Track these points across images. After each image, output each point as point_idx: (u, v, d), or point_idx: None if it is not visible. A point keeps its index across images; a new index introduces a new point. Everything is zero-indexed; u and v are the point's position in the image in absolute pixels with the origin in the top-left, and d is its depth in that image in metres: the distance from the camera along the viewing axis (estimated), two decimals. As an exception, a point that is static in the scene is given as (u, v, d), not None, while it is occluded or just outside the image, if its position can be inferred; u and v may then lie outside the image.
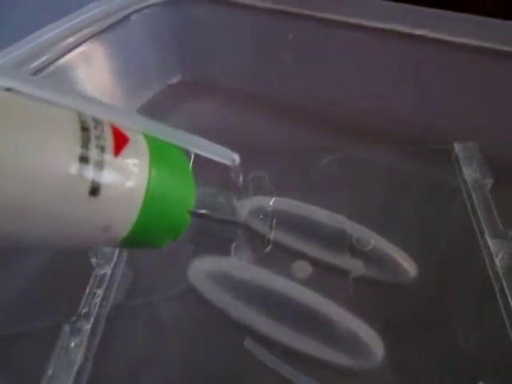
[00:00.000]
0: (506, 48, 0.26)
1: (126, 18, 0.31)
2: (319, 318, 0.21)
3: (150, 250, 0.15)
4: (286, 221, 0.24)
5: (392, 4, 0.27)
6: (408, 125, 0.28)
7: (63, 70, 0.28)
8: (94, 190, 0.11)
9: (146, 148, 0.12)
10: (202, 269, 0.23)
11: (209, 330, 0.21)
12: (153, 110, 0.33)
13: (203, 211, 0.15)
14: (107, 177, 0.11)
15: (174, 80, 0.34)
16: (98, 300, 0.20)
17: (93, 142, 0.11)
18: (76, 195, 0.11)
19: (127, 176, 0.12)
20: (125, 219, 0.12)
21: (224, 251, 0.23)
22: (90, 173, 0.11)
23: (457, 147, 0.26)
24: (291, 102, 0.30)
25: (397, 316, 0.21)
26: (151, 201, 0.12)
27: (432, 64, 0.27)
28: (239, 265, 0.23)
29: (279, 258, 0.23)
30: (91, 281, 0.21)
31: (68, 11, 0.30)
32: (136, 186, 0.12)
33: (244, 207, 0.25)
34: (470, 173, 0.25)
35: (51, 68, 0.27)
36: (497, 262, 0.21)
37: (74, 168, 0.10)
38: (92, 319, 0.20)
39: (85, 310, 0.20)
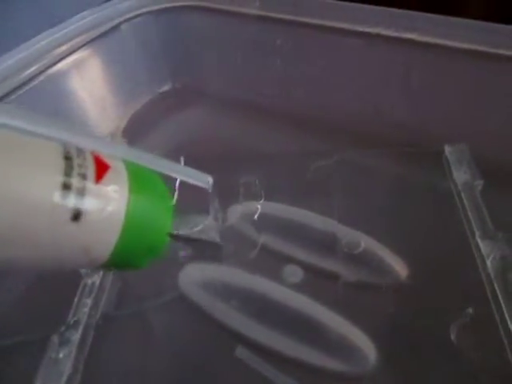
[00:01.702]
0: (496, 51, 0.26)
1: (116, 27, 0.31)
2: (311, 323, 0.21)
3: (132, 270, 0.15)
4: (276, 225, 0.24)
5: (380, 8, 0.27)
6: (398, 128, 0.28)
7: (54, 79, 0.28)
8: (76, 216, 0.11)
9: (126, 174, 0.13)
10: (192, 276, 0.22)
11: (199, 338, 0.21)
12: (144, 118, 0.33)
13: (181, 233, 0.16)
14: (88, 203, 0.12)
15: (165, 88, 0.34)
16: (86, 309, 0.20)
17: (75, 170, 0.12)
18: (59, 220, 0.11)
19: (107, 202, 0.12)
20: (105, 243, 0.13)
21: (215, 258, 0.23)
22: (72, 199, 0.11)
23: (447, 150, 0.26)
24: (281, 108, 0.31)
25: (389, 319, 0.21)
26: (130, 225, 0.13)
27: (422, 67, 0.27)
28: (230, 271, 0.23)
29: (270, 263, 0.23)
30: (80, 290, 0.21)
31: (58, 21, 0.30)
32: (116, 211, 0.12)
33: (235, 212, 0.25)
34: (460, 175, 0.25)
35: (41, 77, 0.27)
36: (488, 263, 0.21)
37: (57, 194, 0.11)
38: (81, 329, 0.19)
39: (74, 320, 0.20)
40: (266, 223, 0.24)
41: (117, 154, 0.14)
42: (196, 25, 0.32)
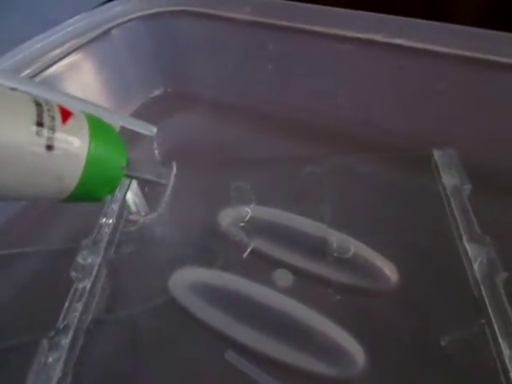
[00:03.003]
0: (484, 56, 0.26)
1: (108, 32, 0.31)
2: (300, 327, 0.21)
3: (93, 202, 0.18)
4: (267, 230, 0.24)
5: (370, 14, 0.28)
6: (389, 133, 0.28)
7: (46, 83, 0.28)
8: (49, 147, 0.14)
9: (85, 120, 0.16)
10: (183, 280, 0.23)
11: (189, 342, 0.21)
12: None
13: (132, 173, 0.19)
14: (58, 137, 0.15)
15: (157, 92, 0.34)
16: (77, 314, 0.20)
17: (46, 113, 0.15)
18: (36, 150, 0.14)
19: (73, 138, 0.15)
20: (73, 172, 0.16)
21: (205, 262, 0.23)
22: (45, 132, 0.14)
23: (436, 154, 0.27)
24: (273, 112, 0.31)
25: (378, 323, 0.21)
26: (92, 159, 0.16)
27: (411, 73, 0.28)
28: (220, 275, 0.23)
29: (260, 267, 0.23)
30: (70, 295, 0.21)
31: (50, 25, 0.30)
32: (80, 146, 0.16)
33: (226, 216, 0.25)
34: (448, 179, 0.25)
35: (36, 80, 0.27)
36: (475, 267, 0.21)
37: (33, 129, 0.14)
38: (71, 333, 0.19)
39: (63, 325, 0.20)
40: (256, 227, 0.24)
41: (76, 106, 0.17)
42: (187, 30, 0.33)
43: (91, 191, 0.17)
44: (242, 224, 0.25)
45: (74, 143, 0.15)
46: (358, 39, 0.27)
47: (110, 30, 0.31)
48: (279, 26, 0.30)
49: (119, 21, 0.31)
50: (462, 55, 0.26)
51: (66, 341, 0.19)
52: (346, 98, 0.29)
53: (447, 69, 0.27)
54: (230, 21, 0.31)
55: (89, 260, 0.22)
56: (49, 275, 0.24)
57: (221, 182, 0.27)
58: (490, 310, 0.20)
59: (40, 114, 0.14)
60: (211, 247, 0.24)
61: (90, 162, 0.16)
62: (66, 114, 0.15)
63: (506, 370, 0.18)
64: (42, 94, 0.17)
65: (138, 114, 0.34)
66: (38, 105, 0.15)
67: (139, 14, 0.32)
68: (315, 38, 0.29)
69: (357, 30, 0.28)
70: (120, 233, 0.24)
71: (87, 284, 0.21)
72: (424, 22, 0.27)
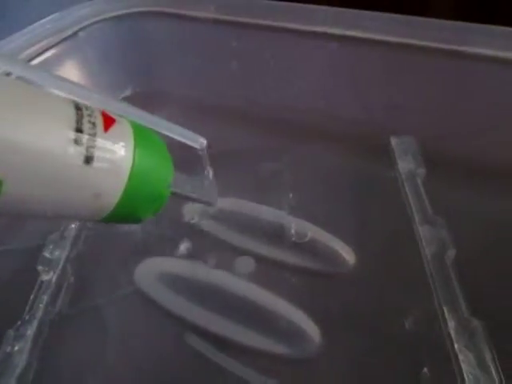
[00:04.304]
0: (437, 45, 0.27)
1: (75, 34, 0.32)
2: (261, 311, 0.22)
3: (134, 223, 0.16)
4: (229, 219, 0.25)
5: (326, 8, 0.29)
6: (348, 122, 0.29)
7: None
8: (88, 159, 0.13)
9: (130, 129, 0.14)
10: (148, 270, 0.23)
11: (152, 328, 0.22)
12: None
13: (179, 190, 0.17)
14: (99, 148, 0.13)
15: (127, 93, 0.35)
16: (42, 305, 0.21)
17: (86, 119, 0.13)
18: (73, 162, 0.12)
19: (116, 149, 0.13)
20: (114, 188, 0.14)
21: (170, 252, 0.24)
22: (84, 143, 0.12)
23: (393, 141, 0.28)
24: (238, 107, 0.32)
25: (336, 304, 0.22)
26: (136, 174, 0.14)
27: (367, 63, 0.29)
28: (185, 264, 0.24)
29: (223, 255, 0.24)
30: (36, 287, 0.21)
31: (17, 29, 0.30)
32: (123, 159, 0.14)
33: (190, 208, 0.26)
34: (404, 165, 0.26)
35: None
36: (426, 247, 0.22)
37: (71, 138, 0.12)
38: (36, 324, 0.20)
39: (29, 316, 0.20)
40: (219, 217, 0.25)
41: (119, 112, 0.15)
42: (154, 30, 0.33)
43: (132, 211, 0.15)
44: (206, 215, 0.25)
45: (116, 154, 0.13)
46: (316, 32, 0.28)
47: (77, 31, 0.32)
48: (241, 23, 0.30)
49: (86, 23, 0.32)
50: (413, 44, 0.27)
51: (31, 331, 0.20)
52: (306, 89, 0.30)
53: (402, 58, 0.28)
54: (195, 20, 0.32)
55: (55, 254, 0.23)
56: (17, 271, 0.24)
57: (187, 175, 0.28)
58: (438, 287, 0.21)
59: (80, 120, 0.13)
60: (175, 237, 0.25)
61: (134, 177, 0.14)
62: (108, 121, 0.13)
63: (451, 341, 0.19)
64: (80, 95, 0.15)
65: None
66: (78, 109, 0.13)
67: (106, 15, 0.32)
68: (276, 33, 0.30)
69: (315, 23, 0.29)
70: (87, 228, 0.25)
71: (53, 276, 0.22)
72: (379, 13, 0.28)
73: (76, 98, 0.14)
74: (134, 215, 0.15)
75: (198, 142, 0.20)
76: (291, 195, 0.26)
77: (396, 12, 0.29)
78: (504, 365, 0.18)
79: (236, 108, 0.31)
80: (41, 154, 0.12)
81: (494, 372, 0.18)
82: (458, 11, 0.39)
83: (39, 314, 0.20)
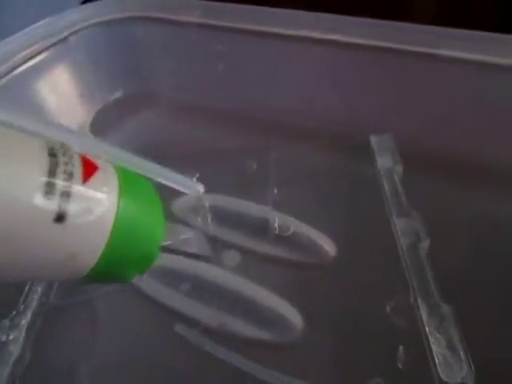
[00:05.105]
0: (414, 48, 0.29)
1: (65, 38, 0.33)
2: (246, 300, 0.23)
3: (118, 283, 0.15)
4: (216, 214, 0.26)
5: (306, 13, 0.30)
6: (330, 122, 0.30)
7: (8, 87, 0.30)
8: (60, 217, 0.11)
9: (116, 178, 0.13)
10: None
11: (142, 319, 0.23)
12: (99, 125, 0.35)
13: (172, 245, 0.15)
14: (74, 204, 0.11)
15: (117, 95, 0.36)
16: (36, 296, 0.22)
17: (61, 168, 0.11)
18: (42, 221, 0.11)
19: (95, 204, 0.12)
20: (92, 248, 0.12)
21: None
22: (55, 199, 0.11)
23: (373, 140, 0.29)
24: (224, 108, 0.33)
25: (318, 293, 0.23)
26: (119, 231, 0.12)
27: (347, 65, 0.30)
28: (173, 257, 0.25)
29: (211, 249, 0.25)
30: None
31: (8, 33, 0.31)
32: (104, 214, 0.12)
33: (179, 205, 0.27)
34: (383, 161, 0.27)
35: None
36: (402, 239, 0.23)
37: (39, 194, 0.10)
38: (30, 315, 0.21)
39: (23, 307, 0.21)
40: (206, 213, 0.26)
41: (105, 156, 0.13)
42: (143, 34, 0.34)
43: (114, 273, 0.13)
44: (194, 210, 0.26)
45: (96, 208, 0.11)
46: (299, 37, 0.30)
47: (68, 36, 0.33)
48: (227, 27, 0.32)
49: (76, 28, 0.33)
50: (389, 47, 0.28)
51: (25, 321, 0.21)
52: (289, 91, 0.31)
53: (380, 61, 0.29)
54: (182, 24, 0.33)
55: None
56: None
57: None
58: (412, 275, 0.22)
59: (53, 170, 0.11)
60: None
61: (117, 233, 0.12)
62: (89, 169, 0.12)
63: (423, 325, 0.20)
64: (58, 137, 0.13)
65: (100, 117, 0.35)
66: (53, 156, 0.11)
67: (96, 20, 0.33)
68: (260, 37, 0.31)
69: (296, 27, 0.30)
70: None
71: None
72: (358, 18, 0.30)
73: (58, 141, 0.12)
74: (117, 275, 0.14)
75: (195, 188, 0.18)
76: (275, 191, 0.27)
77: (377, 17, 0.30)
78: (471, 347, 0.19)
79: (222, 109, 0.33)
80: (5, 208, 0.10)
81: (462, 353, 0.19)
82: (438, 17, 0.41)
83: (33, 305, 0.21)
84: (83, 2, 0.43)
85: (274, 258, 0.24)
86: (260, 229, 0.25)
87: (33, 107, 0.32)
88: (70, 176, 0.11)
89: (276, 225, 0.25)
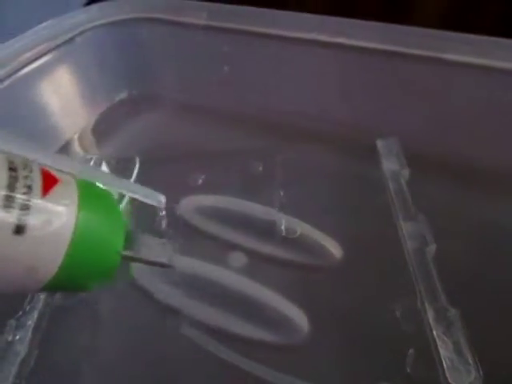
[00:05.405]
0: (420, 52, 0.29)
1: (72, 39, 0.33)
2: (251, 302, 0.23)
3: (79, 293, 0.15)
4: (222, 216, 0.26)
5: (313, 16, 0.30)
6: (336, 125, 0.30)
7: (13, 88, 0.30)
8: (19, 229, 0.11)
9: (76, 190, 0.13)
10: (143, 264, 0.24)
11: (148, 320, 0.22)
12: (104, 124, 0.35)
13: (133, 254, 0.16)
14: (33, 217, 0.11)
15: (122, 96, 0.36)
16: (42, 297, 0.22)
17: (20, 182, 0.11)
18: (1, 233, 0.11)
19: (54, 217, 0.12)
20: (51, 260, 0.12)
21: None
22: (15, 212, 0.11)
23: (379, 143, 0.29)
24: (230, 110, 0.33)
25: (324, 295, 0.23)
26: (79, 243, 0.12)
27: (353, 69, 0.30)
28: (179, 258, 0.24)
29: (216, 250, 0.25)
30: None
31: (13, 34, 0.31)
32: (63, 227, 0.12)
33: (185, 205, 0.27)
34: (389, 165, 0.27)
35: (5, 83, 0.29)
36: (409, 242, 0.23)
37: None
38: (36, 315, 0.21)
39: (29, 307, 0.21)
40: (213, 214, 0.26)
41: (68, 170, 0.14)
42: (149, 35, 0.34)
43: (74, 284, 0.14)
44: (199, 211, 0.26)
45: (55, 221, 0.12)
46: (304, 39, 0.30)
47: (74, 37, 0.33)
48: (232, 29, 0.32)
49: (82, 28, 0.33)
50: (395, 51, 0.28)
51: (31, 321, 0.21)
52: (295, 93, 0.31)
53: (386, 65, 0.29)
54: (187, 26, 0.33)
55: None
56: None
57: (181, 174, 0.29)
58: (419, 278, 0.22)
59: (12, 184, 0.11)
60: (171, 233, 0.25)
61: (76, 245, 0.12)
62: (49, 182, 0.12)
63: (430, 328, 0.20)
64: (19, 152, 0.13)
65: (104, 118, 0.35)
66: (12, 170, 0.11)
67: (101, 21, 0.33)
68: (266, 40, 0.31)
69: (303, 30, 0.30)
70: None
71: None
72: (364, 21, 0.30)
73: (18, 156, 0.12)
74: (78, 285, 0.14)
75: (157, 199, 0.19)
76: (282, 194, 0.27)
77: (381, 20, 0.30)
78: (479, 351, 0.19)
79: (227, 110, 0.33)
80: None
81: (469, 357, 0.19)
82: (441, 20, 0.41)
83: (39, 305, 0.21)
84: (87, 4, 0.43)
85: (280, 259, 0.24)
86: (266, 231, 0.25)
87: (37, 108, 0.31)
88: (29, 189, 0.11)
89: (283, 227, 0.25)
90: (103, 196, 0.15)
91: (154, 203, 0.19)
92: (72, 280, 0.13)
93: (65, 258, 0.12)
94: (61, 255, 0.12)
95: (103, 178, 0.15)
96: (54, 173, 0.13)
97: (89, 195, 0.13)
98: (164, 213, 0.22)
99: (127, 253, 0.15)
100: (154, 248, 0.17)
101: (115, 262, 0.14)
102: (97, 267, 0.14)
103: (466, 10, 0.44)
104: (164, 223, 0.22)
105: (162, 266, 0.17)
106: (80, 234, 0.12)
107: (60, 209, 0.12)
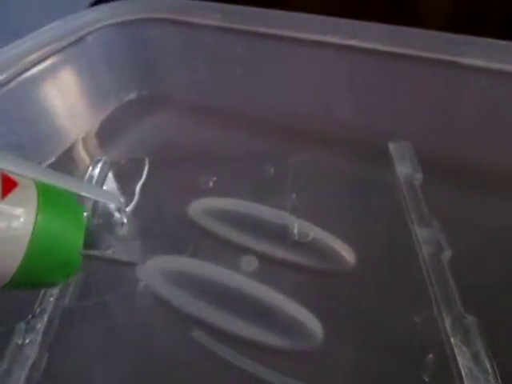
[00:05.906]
0: (432, 55, 0.29)
1: (82, 38, 0.32)
2: (264, 307, 0.22)
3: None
4: (234, 219, 0.26)
5: (324, 18, 0.30)
6: (347, 128, 0.30)
7: (23, 87, 0.29)
8: None
9: (35, 192, 0.13)
10: (155, 267, 0.24)
11: (159, 324, 0.22)
12: (112, 125, 0.35)
13: (93, 252, 0.16)
14: None
15: (132, 96, 0.36)
16: (52, 299, 0.21)
17: None
18: None
19: (12, 219, 0.12)
20: (9, 261, 0.12)
21: (177, 250, 0.25)
22: None
23: (391, 146, 0.29)
24: (241, 112, 0.32)
25: (336, 301, 0.23)
26: (37, 243, 0.13)
27: (365, 72, 0.30)
28: (191, 262, 0.24)
29: (228, 253, 0.25)
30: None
31: (23, 33, 0.31)
32: (22, 226, 0.13)
33: (196, 208, 0.27)
34: (402, 169, 0.27)
35: (11, 84, 0.28)
36: (424, 247, 0.23)
37: None
38: (46, 317, 0.21)
39: (39, 310, 0.21)
40: (224, 217, 0.26)
41: (27, 174, 0.14)
42: (160, 35, 0.34)
43: (35, 280, 0.14)
44: (210, 214, 0.26)
45: (13, 222, 0.12)
46: (317, 42, 0.29)
47: (85, 36, 0.33)
48: (246, 30, 0.31)
49: (92, 28, 0.32)
50: (407, 54, 0.28)
51: (41, 324, 0.20)
52: (307, 95, 0.31)
53: (400, 67, 0.29)
54: (200, 27, 0.33)
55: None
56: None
57: (191, 176, 0.29)
58: (435, 285, 0.21)
59: None
60: (182, 236, 0.25)
61: (34, 245, 0.13)
62: (7, 185, 0.12)
63: (447, 336, 0.20)
64: None
65: (113, 118, 0.35)
66: None
67: (111, 21, 0.33)
68: (279, 42, 0.31)
69: (314, 32, 0.30)
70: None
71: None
72: (375, 24, 0.29)
73: None
74: (38, 283, 0.15)
75: (116, 200, 0.19)
76: (294, 197, 0.27)
77: (392, 22, 0.30)
78: (496, 358, 0.19)
79: (239, 112, 0.32)
80: None
81: (487, 364, 0.18)
82: (451, 24, 0.41)
83: (49, 308, 0.21)
84: (94, 4, 0.43)
85: (292, 264, 0.24)
86: (278, 234, 0.25)
87: (44, 108, 0.31)
88: None
89: (295, 231, 0.25)
90: (63, 197, 0.15)
91: (114, 204, 0.20)
92: (32, 278, 0.14)
93: (24, 258, 0.13)
94: (20, 256, 0.13)
95: (62, 180, 0.16)
96: (12, 177, 0.13)
97: (48, 197, 0.14)
98: (124, 213, 0.22)
99: (87, 251, 0.15)
100: (116, 246, 0.17)
101: (76, 259, 0.15)
102: (57, 265, 0.14)
103: (473, 13, 0.43)
104: (124, 222, 0.23)
105: (124, 264, 0.18)
106: (38, 235, 0.13)
107: (18, 211, 0.12)
